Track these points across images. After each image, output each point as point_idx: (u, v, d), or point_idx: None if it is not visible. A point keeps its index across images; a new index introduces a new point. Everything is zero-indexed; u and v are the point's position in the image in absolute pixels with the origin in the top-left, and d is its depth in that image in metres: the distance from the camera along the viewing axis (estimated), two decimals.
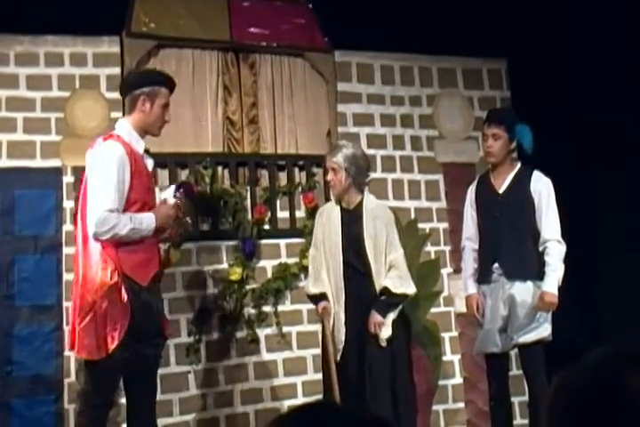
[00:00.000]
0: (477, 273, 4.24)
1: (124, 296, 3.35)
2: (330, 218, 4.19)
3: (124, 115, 4.61)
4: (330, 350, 4.06)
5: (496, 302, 4.09)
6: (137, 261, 3.45)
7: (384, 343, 4.01)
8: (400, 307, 4.10)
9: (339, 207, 4.21)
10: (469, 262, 4.28)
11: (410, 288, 4.12)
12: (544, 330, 4.04)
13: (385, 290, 4.05)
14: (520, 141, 4.15)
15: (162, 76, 3.77)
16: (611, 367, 1.22)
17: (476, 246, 4.26)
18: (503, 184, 4.19)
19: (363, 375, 4.00)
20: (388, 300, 4.05)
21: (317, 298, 4.15)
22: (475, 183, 4.37)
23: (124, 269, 3.40)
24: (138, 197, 3.50)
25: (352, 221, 4.15)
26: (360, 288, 4.07)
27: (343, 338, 4.03)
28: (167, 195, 3.68)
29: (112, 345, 3.35)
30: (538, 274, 4.04)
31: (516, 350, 4.20)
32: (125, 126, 3.61)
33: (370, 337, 4.02)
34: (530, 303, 4.02)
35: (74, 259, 3.61)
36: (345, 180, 4.12)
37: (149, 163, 3.67)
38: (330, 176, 4.16)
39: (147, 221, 3.48)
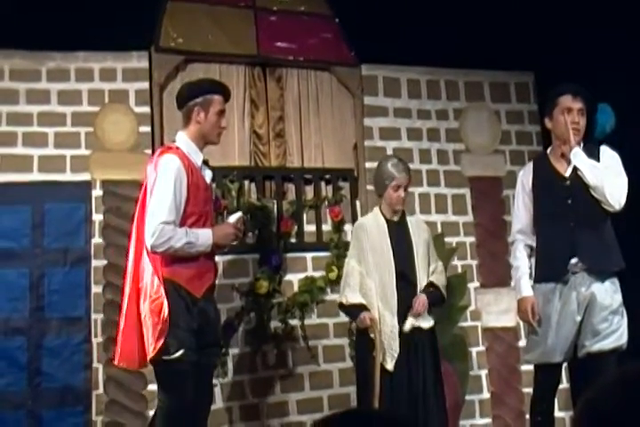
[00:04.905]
0: (539, 271, 3.73)
1: (165, 310, 3.36)
2: (376, 230, 4.14)
3: (152, 128, 4.72)
4: (379, 359, 3.91)
5: (567, 305, 3.63)
6: (192, 273, 3.49)
7: (414, 322, 4.00)
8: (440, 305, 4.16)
9: (383, 219, 4.18)
10: (523, 259, 3.77)
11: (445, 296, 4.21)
12: (621, 336, 3.59)
13: (430, 284, 4.10)
14: (599, 121, 3.87)
15: (214, 84, 3.80)
16: (636, 389, 1.20)
17: (530, 241, 3.79)
18: (569, 167, 3.71)
19: (414, 386, 3.97)
20: (435, 291, 4.09)
21: (357, 308, 4.04)
22: (529, 168, 3.90)
23: (180, 281, 3.44)
24: (194, 209, 3.52)
25: (400, 232, 4.15)
26: (409, 298, 4.04)
27: (398, 348, 3.98)
28: (232, 218, 3.70)
29: (150, 355, 3.39)
30: (620, 268, 3.65)
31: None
32: (184, 138, 3.63)
33: (420, 347, 4.01)
34: (608, 305, 3.60)
35: (124, 272, 3.65)
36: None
37: (208, 174, 3.68)
38: (403, 193, 4.12)
39: (203, 236, 3.49)
